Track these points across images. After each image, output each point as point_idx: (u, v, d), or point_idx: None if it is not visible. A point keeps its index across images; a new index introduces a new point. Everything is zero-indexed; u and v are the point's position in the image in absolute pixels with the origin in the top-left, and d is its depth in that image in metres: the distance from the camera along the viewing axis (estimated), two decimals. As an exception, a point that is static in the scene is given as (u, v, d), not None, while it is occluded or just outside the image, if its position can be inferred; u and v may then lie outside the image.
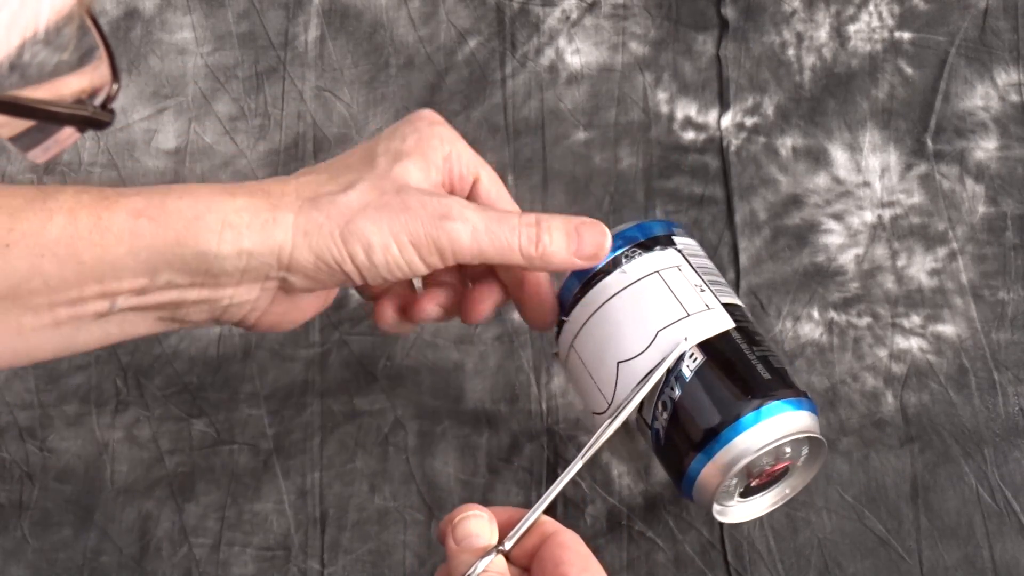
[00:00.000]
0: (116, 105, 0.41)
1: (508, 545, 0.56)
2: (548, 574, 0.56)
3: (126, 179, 0.76)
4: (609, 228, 0.61)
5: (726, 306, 0.62)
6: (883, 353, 0.72)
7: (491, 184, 0.63)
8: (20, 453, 0.69)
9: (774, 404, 0.60)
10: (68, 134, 0.40)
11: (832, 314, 0.73)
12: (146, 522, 0.68)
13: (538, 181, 0.76)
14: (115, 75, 0.39)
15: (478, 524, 0.56)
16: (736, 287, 0.73)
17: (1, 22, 0.33)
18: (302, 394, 0.71)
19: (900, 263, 0.74)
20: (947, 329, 0.72)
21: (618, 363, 0.61)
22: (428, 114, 0.62)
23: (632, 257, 0.63)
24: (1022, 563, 0.66)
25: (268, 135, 0.77)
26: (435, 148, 0.61)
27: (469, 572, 0.55)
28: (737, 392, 0.60)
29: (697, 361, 0.60)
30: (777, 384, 0.60)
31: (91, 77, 0.39)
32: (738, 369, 0.60)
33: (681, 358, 0.60)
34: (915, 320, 0.73)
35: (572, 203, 0.76)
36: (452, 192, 0.62)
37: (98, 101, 0.39)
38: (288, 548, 0.67)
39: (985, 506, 0.68)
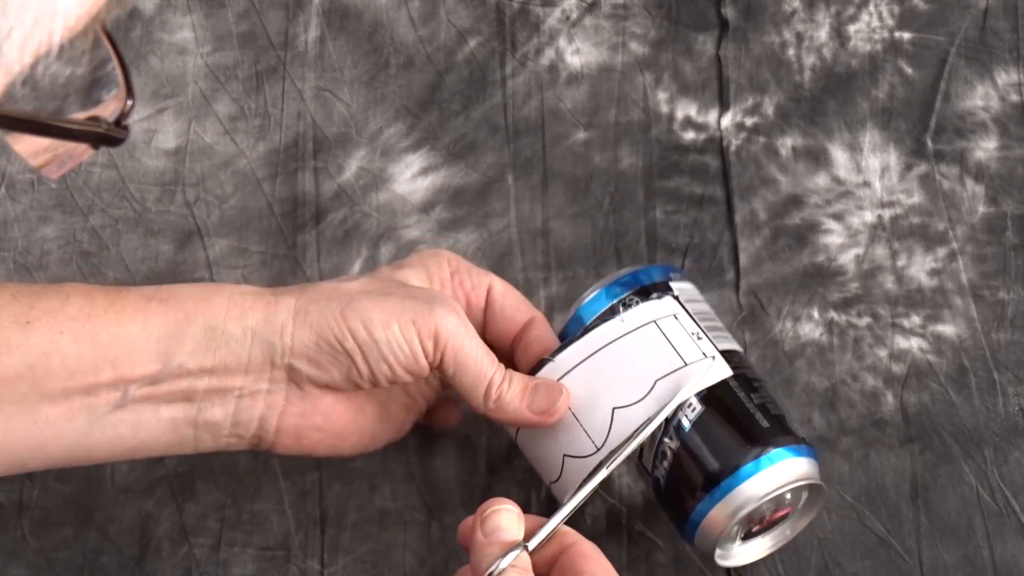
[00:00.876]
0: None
1: (533, 544, 0.56)
2: None
3: (126, 179, 0.76)
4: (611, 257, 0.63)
5: (724, 353, 0.63)
6: (883, 353, 0.72)
7: (505, 290, 0.65)
8: (20, 453, 0.69)
9: (774, 452, 0.61)
10: (82, 150, 0.40)
11: (832, 314, 0.73)
12: (146, 522, 0.68)
13: (538, 181, 0.76)
14: (130, 91, 0.39)
15: (508, 518, 0.56)
16: (736, 287, 0.73)
17: (15, 40, 0.33)
18: (302, 394, 0.71)
19: (900, 263, 0.74)
20: (947, 329, 0.72)
21: (613, 408, 0.61)
22: (432, 248, 0.66)
23: (630, 305, 0.64)
24: (1022, 563, 0.66)
25: (268, 135, 0.77)
26: (439, 264, 0.63)
27: (495, 565, 0.54)
28: (737, 441, 0.61)
29: (696, 411, 0.61)
30: (776, 432, 0.61)
31: (105, 93, 0.40)
32: (737, 418, 0.61)
33: (680, 408, 0.61)
34: (915, 320, 0.73)
35: (572, 203, 0.76)
36: (468, 303, 0.63)
37: (112, 117, 0.39)
38: (288, 548, 0.67)
39: (985, 506, 0.68)
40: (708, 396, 0.61)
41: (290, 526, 0.68)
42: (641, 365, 0.62)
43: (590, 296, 0.66)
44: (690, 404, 0.61)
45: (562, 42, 0.79)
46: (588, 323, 0.64)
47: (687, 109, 0.78)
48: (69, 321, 0.56)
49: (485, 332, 0.64)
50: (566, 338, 0.64)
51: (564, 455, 0.62)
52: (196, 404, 0.58)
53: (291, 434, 0.61)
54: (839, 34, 0.79)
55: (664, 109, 0.78)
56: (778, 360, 0.72)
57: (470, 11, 0.80)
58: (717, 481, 0.60)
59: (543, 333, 0.65)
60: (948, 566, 0.67)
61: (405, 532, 0.68)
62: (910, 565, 0.67)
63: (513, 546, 0.55)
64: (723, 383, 0.62)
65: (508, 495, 0.68)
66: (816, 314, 0.73)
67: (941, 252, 0.74)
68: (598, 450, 0.61)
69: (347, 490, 0.69)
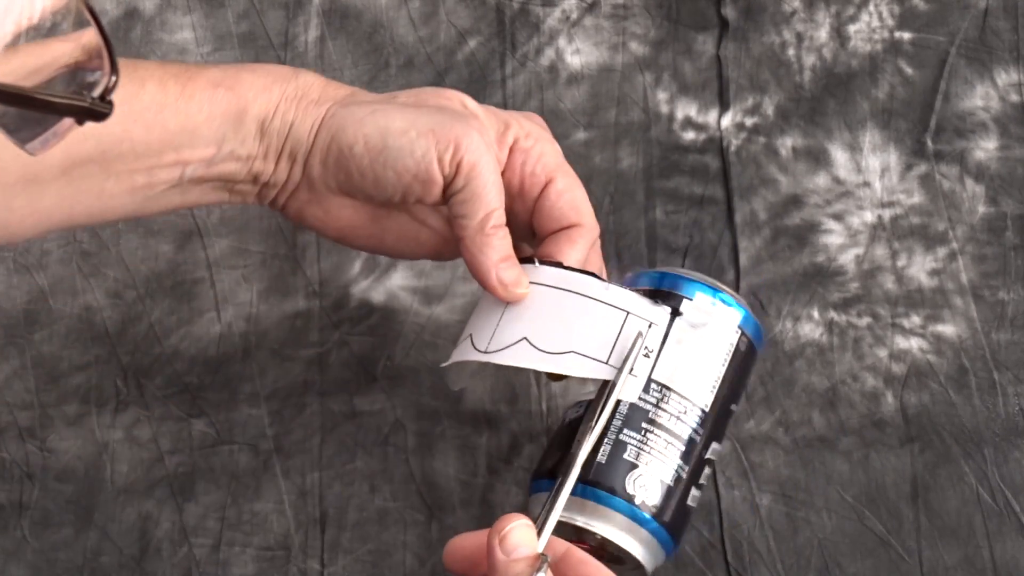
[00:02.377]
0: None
1: (541, 547, 0.56)
2: None
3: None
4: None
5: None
6: (883, 353, 0.72)
7: (567, 189, 0.64)
8: (20, 453, 0.69)
9: (603, 496, 0.59)
10: (67, 126, 0.40)
11: (832, 314, 0.73)
12: (146, 522, 0.68)
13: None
14: (113, 67, 0.39)
15: (526, 534, 0.56)
16: (736, 287, 0.73)
17: None
18: (302, 394, 0.71)
19: (900, 263, 0.74)
20: (947, 329, 0.72)
21: (572, 352, 0.61)
22: (532, 115, 0.66)
23: (634, 289, 0.62)
24: (1022, 563, 0.66)
25: (268, 135, 0.77)
26: (509, 126, 0.63)
27: None
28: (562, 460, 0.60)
29: (581, 409, 0.61)
30: (609, 481, 0.59)
31: (89, 68, 0.39)
32: (601, 440, 0.60)
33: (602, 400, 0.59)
34: (915, 320, 0.73)
35: (572, 203, 0.76)
36: (520, 185, 0.63)
37: (96, 93, 0.39)
38: (288, 548, 0.67)
39: (985, 506, 0.68)
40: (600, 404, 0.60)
41: (290, 526, 0.68)
42: (600, 334, 0.61)
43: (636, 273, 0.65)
44: (582, 403, 0.61)
45: (562, 42, 0.79)
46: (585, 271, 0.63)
47: (687, 109, 0.78)
48: (142, 111, 0.59)
49: (532, 221, 0.64)
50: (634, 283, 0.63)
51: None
52: (239, 181, 0.63)
53: (295, 212, 0.64)
54: (839, 34, 0.79)
55: (664, 109, 0.78)
56: (778, 360, 0.72)
57: (470, 11, 0.80)
58: (544, 475, 0.61)
59: (576, 238, 0.64)
60: (948, 566, 0.67)
61: (405, 532, 0.68)
62: (910, 565, 0.67)
63: (539, 561, 0.55)
64: (620, 404, 0.60)
65: (508, 495, 0.68)
66: (816, 314, 0.73)
67: (941, 252, 0.74)
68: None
69: (347, 490, 0.69)
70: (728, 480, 0.69)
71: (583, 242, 0.64)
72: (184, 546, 0.67)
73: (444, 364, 0.64)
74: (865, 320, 0.73)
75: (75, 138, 0.56)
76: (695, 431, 0.61)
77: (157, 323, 0.72)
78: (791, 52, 0.79)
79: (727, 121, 0.78)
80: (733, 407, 0.63)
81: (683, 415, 0.60)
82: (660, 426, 0.60)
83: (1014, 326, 0.72)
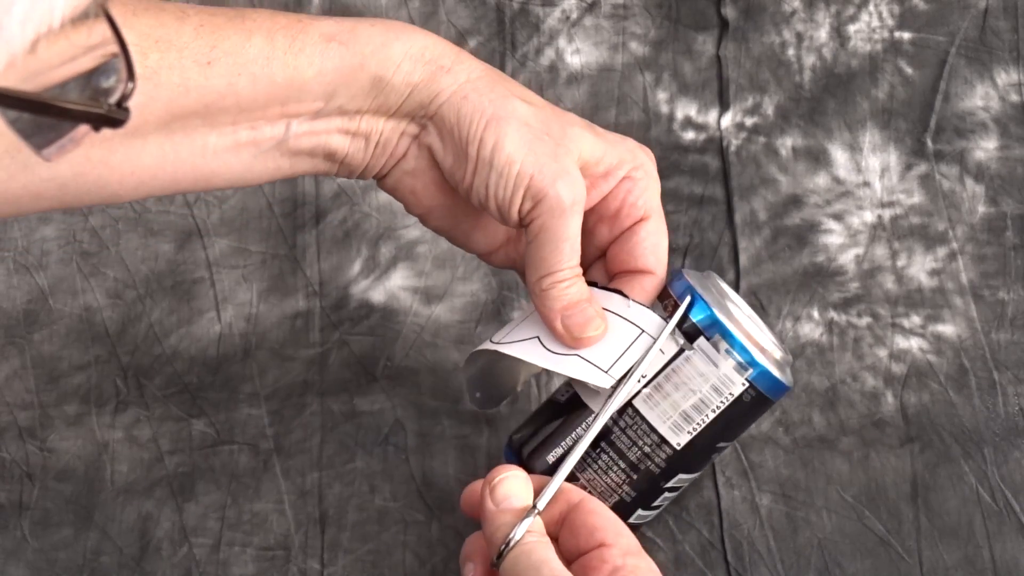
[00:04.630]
0: None
1: (541, 505, 0.56)
2: (582, 541, 0.55)
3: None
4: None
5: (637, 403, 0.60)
6: (883, 353, 0.72)
7: (655, 233, 0.63)
8: (20, 453, 0.69)
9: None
10: (83, 132, 0.40)
11: (832, 314, 0.73)
12: (146, 522, 0.68)
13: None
14: (131, 73, 0.39)
15: (517, 484, 0.56)
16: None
17: (16, 15, 0.33)
18: (302, 394, 0.71)
19: (900, 263, 0.74)
20: (947, 329, 0.72)
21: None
22: (646, 148, 0.64)
23: (666, 312, 0.61)
24: (1022, 563, 0.66)
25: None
26: (623, 156, 0.62)
27: (511, 535, 0.54)
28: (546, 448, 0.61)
29: (568, 391, 0.61)
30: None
31: (107, 75, 0.39)
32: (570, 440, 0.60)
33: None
34: (915, 320, 0.73)
35: (572, 203, 0.76)
36: (616, 212, 0.62)
37: (113, 99, 0.39)
38: (288, 548, 0.67)
39: (985, 506, 0.68)
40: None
41: (290, 526, 0.68)
42: (609, 344, 0.61)
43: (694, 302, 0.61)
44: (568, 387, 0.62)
45: (562, 42, 0.79)
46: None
47: (687, 109, 0.78)
48: (248, 63, 0.57)
49: (610, 247, 0.63)
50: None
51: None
52: (345, 143, 0.60)
53: (393, 181, 0.62)
54: (839, 34, 0.79)
55: (664, 109, 0.78)
56: (778, 360, 0.72)
57: (470, 11, 0.80)
58: (514, 448, 0.62)
59: (647, 289, 0.63)
60: (948, 566, 0.67)
61: (405, 532, 0.68)
62: (910, 565, 0.67)
63: (526, 513, 0.55)
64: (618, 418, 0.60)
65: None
66: (816, 314, 0.73)
67: (941, 252, 0.74)
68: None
69: (347, 490, 0.69)
70: (728, 480, 0.69)
71: (653, 293, 0.63)
72: (184, 546, 0.67)
73: (463, 367, 0.65)
74: (865, 320, 0.73)
75: (176, 91, 0.55)
76: (655, 463, 0.60)
77: (157, 323, 0.72)
78: (791, 52, 0.79)
79: (727, 121, 0.78)
80: (721, 445, 0.61)
81: (645, 445, 0.60)
82: (613, 446, 0.60)
83: (1014, 326, 0.72)
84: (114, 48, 0.39)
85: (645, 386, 0.60)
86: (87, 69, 0.39)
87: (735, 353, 0.59)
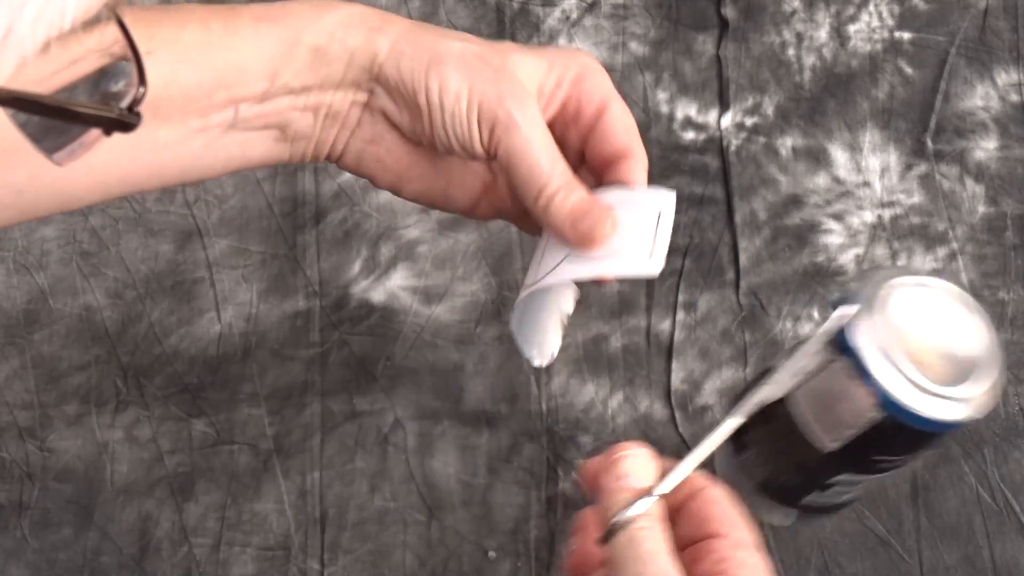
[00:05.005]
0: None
1: (663, 490, 0.53)
2: (695, 530, 0.54)
3: (126, 179, 0.76)
4: None
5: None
6: (883, 353, 0.72)
7: (620, 116, 0.63)
8: (20, 453, 0.69)
9: None
10: (94, 136, 0.40)
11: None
12: (146, 522, 0.68)
13: None
14: (142, 78, 0.39)
15: (639, 463, 0.53)
16: (736, 287, 0.73)
17: (27, 16, 0.33)
18: (302, 394, 0.71)
19: (900, 263, 0.74)
20: (947, 329, 0.72)
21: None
22: (580, 51, 0.65)
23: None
24: (1022, 563, 0.66)
25: (268, 135, 0.77)
26: (566, 66, 0.62)
27: (622, 513, 0.52)
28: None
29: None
30: None
31: (118, 79, 0.39)
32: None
33: None
34: (915, 320, 0.73)
35: (572, 203, 0.76)
36: (577, 113, 0.62)
37: (125, 104, 0.39)
38: (288, 548, 0.67)
39: (985, 506, 0.68)
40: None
41: (290, 526, 0.68)
42: (637, 235, 0.60)
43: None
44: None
45: (562, 42, 0.79)
46: None
47: (687, 109, 0.78)
48: (187, 50, 0.58)
49: (585, 148, 0.63)
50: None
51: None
52: (294, 122, 0.60)
53: (355, 155, 0.62)
54: (839, 34, 0.79)
55: (664, 109, 0.78)
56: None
57: (470, 11, 0.80)
58: None
59: (632, 170, 0.63)
60: (948, 566, 0.67)
61: (405, 532, 0.68)
62: (910, 565, 0.67)
63: (643, 493, 0.53)
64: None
65: (508, 495, 0.68)
66: (816, 314, 0.73)
67: (941, 252, 0.74)
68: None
69: (347, 490, 0.69)
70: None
71: (641, 174, 0.63)
72: (184, 546, 0.67)
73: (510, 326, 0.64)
74: (865, 320, 0.73)
75: None
76: (804, 461, 0.60)
77: (157, 323, 0.72)
78: (791, 52, 0.79)
79: (727, 121, 0.78)
80: (880, 459, 0.59)
81: (791, 443, 0.60)
82: (760, 441, 0.62)
83: (1014, 326, 0.72)
84: (124, 50, 0.39)
85: (799, 386, 0.58)
86: (97, 72, 0.39)
87: (866, 382, 0.57)
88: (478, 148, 0.60)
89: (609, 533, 0.52)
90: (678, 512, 0.55)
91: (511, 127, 0.59)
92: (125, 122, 0.39)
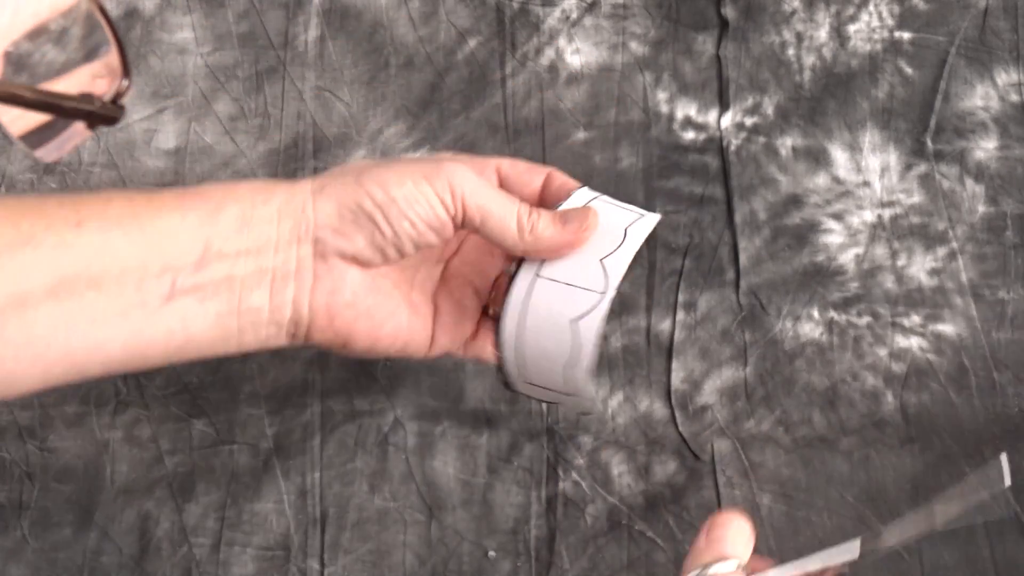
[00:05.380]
0: None
1: (745, 559, 0.55)
2: None
3: (126, 179, 0.76)
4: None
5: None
6: (883, 352, 0.72)
7: (513, 162, 0.65)
8: (20, 453, 0.69)
9: None
10: (78, 131, 0.40)
11: (832, 314, 0.73)
12: (146, 522, 0.68)
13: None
14: (125, 70, 0.39)
15: (735, 533, 0.55)
16: (736, 287, 0.73)
17: (6, 7, 0.33)
18: (302, 394, 0.71)
19: (900, 263, 0.74)
20: (947, 329, 0.72)
21: (601, 260, 0.62)
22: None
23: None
24: (1022, 563, 0.66)
25: (268, 135, 0.77)
26: (486, 163, 0.64)
27: (700, 569, 0.53)
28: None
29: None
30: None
31: (101, 71, 0.39)
32: None
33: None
34: (915, 319, 0.73)
35: (572, 203, 0.76)
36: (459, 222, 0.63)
37: (108, 96, 0.39)
38: (288, 548, 0.67)
39: (985, 506, 0.68)
40: None
41: (290, 526, 0.68)
42: (614, 221, 0.64)
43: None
44: None
45: (562, 42, 0.79)
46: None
47: (687, 109, 0.78)
48: (116, 219, 0.58)
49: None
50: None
51: (570, 320, 0.62)
52: (236, 292, 0.59)
53: (323, 314, 0.60)
54: (839, 34, 0.79)
55: (664, 109, 0.78)
56: (778, 360, 0.72)
57: (470, 11, 0.80)
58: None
59: (565, 180, 0.66)
60: (948, 566, 0.67)
61: (405, 532, 0.68)
62: (910, 565, 0.67)
63: (728, 562, 0.54)
64: None
65: (508, 495, 0.68)
66: (816, 314, 0.73)
67: (941, 252, 0.74)
68: (606, 291, 0.62)
69: (347, 490, 0.69)
70: (728, 480, 0.69)
71: (564, 176, 0.66)
72: (184, 546, 0.67)
73: None
74: (865, 319, 0.73)
75: (55, 252, 0.55)
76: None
77: (157, 323, 0.72)
78: (791, 52, 0.79)
79: (727, 121, 0.78)
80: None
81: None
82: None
83: (1014, 326, 0.72)
84: (108, 45, 0.39)
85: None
86: (80, 66, 0.38)
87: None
88: (443, 217, 0.60)
89: None
90: None
91: (467, 181, 0.60)
92: (107, 115, 0.39)
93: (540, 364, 0.63)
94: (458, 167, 0.61)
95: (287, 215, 0.60)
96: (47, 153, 0.40)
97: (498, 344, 0.63)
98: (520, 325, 0.63)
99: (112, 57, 0.39)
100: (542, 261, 0.63)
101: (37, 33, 0.34)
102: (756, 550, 0.67)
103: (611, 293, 0.61)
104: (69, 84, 0.38)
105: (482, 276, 0.67)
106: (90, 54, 0.39)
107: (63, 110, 0.38)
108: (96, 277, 0.57)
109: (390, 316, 0.62)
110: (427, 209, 0.60)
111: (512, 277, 0.63)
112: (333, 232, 0.60)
